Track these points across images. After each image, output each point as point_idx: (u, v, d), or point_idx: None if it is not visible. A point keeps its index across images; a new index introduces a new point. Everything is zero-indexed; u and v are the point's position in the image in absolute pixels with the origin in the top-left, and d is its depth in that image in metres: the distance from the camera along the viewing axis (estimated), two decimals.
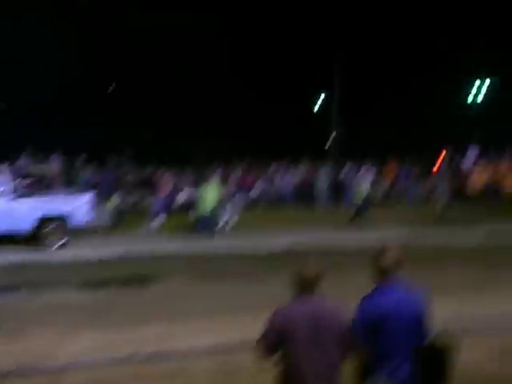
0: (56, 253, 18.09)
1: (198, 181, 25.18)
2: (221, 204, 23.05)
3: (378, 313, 4.99)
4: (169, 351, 8.83)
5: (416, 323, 5.09)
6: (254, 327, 9.08)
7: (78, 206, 19.04)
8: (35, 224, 18.35)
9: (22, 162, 25.96)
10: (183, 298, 13.12)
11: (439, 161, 31.39)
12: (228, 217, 23.14)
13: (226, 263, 16.64)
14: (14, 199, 18.40)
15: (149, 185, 25.33)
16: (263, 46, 49.76)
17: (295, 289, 4.98)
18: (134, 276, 15.24)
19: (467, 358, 8.23)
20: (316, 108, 51.21)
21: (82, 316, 11.63)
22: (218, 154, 35.74)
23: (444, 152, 31.64)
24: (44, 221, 18.48)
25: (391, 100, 51.73)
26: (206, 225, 20.86)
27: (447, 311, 8.90)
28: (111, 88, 56.15)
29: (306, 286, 4.94)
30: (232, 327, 10.19)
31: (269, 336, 4.85)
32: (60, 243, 18.64)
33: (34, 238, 18.47)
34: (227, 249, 18.66)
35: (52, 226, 18.56)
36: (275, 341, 4.83)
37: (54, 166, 25.70)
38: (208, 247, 19.00)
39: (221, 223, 22.82)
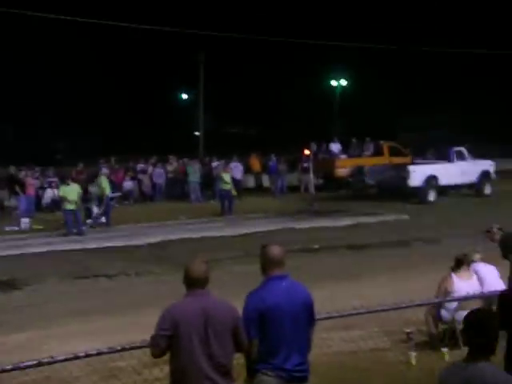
0: None
1: (63, 179, 24.48)
2: (88, 201, 22.73)
3: (264, 305, 5.02)
4: (41, 358, 8.45)
5: (302, 313, 5.15)
6: (134, 328, 9.08)
7: None
8: None
9: None
10: (56, 299, 12.71)
11: (304, 155, 32.18)
12: (99, 214, 22.77)
13: (99, 260, 16.25)
14: None
15: (12, 184, 24.30)
16: (129, 49, 49.13)
17: (185, 285, 4.93)
18: (3, 278, 14.56)
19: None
20: (181, 107, 51.22)
21: None
22: (84, 153, 34.97)
23: (308, 147, 32.49)
24: None
25: (254, 97, 52.53)
26: (72, 223, 20.30)
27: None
28: None
29: (194, 283, 4.89)
30: (111, 329, 9.94)
31: (160, 334, 4.79)
32: None
33: None
34: (99, 246, 18.24)
35: None
36: (166, 339, 4.77)
37: None
38: (78, 245, 18.45)
39: (91, 220, 22.40)
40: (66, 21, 31.49)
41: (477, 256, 9.63)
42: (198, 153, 37.56)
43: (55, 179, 26.42)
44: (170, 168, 29.95)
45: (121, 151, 33.91)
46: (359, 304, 7.18)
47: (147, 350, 5.13)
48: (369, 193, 28.47)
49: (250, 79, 52.43)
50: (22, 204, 23.09)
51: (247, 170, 31.77)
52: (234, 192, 24.92)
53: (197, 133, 41.08)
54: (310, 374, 5.23)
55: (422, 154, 28.92)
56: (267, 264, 5.22)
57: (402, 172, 26.01)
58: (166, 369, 5.15)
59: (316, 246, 17.81)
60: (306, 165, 30.56)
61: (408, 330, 8.76)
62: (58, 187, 25.02)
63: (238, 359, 5.22)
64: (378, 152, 31.37)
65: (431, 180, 26.13)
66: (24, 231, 21.23)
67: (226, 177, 24.91)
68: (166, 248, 17.73)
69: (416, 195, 25.85)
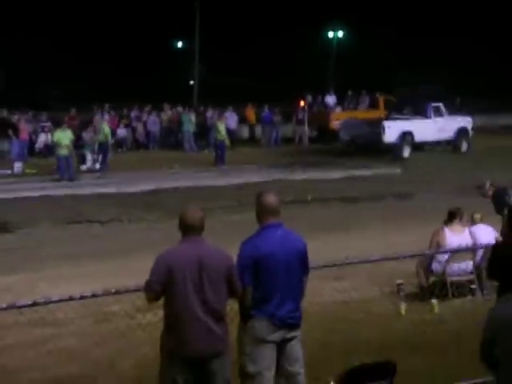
0: None
1: (57, 124, 24.38)
2: (82, 148, 22.73)
3: (258, 253, 5.05)
4: (37, 299, 8.52)
5: (296, 262, 5.19)
6: (126, 273, 9.15)
7: None
8: None
9: None
10: (48, 243, 12.77)
11: (299, 107, 32.07)
12: (93, 159, 22.84)
13: (92, 206, 16.27)
14: None
15: (5, 128, 24.16)
16: None
17: (180, 232, 4.94)
18: None
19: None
20: (177, 53, 50.62)
21: None
22: (77, 99, 34.66)
23: (303, 99, 32.36)
24: None
25: (250, 48, 52.01)
26: (66, 168, 20.27)
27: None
28: None
29: (189, 229, 4.90)
30: (102, 273, 10.01)
31: (155, 279, 4.81)
32: None
33: None
34: (92, 192, 18.25)
35: None
36: (161, 284, 4.79)
37: None
38: (71, 190, 18.45)
39: (85, 166, 22.46)
40: None
41: (477, 216, 9.63)
42: (193, 102, 37.30)
43: (48, 124, 26.26)
44: (164, 116, 29.75)
45: (115, 98, 33.61)
46: (349, 255, 7.23)
47: (141, 295, 5.16)
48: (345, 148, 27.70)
49: (246, 29, 51.84)
50: (15, 148, 23.00)
51: (242, 120, 31.61)
52: (228, 142, 24.85)
53: (192, 82, 40.75)
54: (302, 321, 5.29)
55: (399, 109, 28.35)
56: (262, 212, 5.22)
57: (376, 127, 25.34)
58: (160, 313, 5.19)
59: (308, 198, 17.87)
60: (300, 116, 30.47)
61: (398, 282, 8.86)
62: (51, 132, 24.93)
63: (232, 305, 5.27)
64: (373, 105, 31.19)
65: (406, 136, 25.51)
66: (17, 175, 21.20)
67: (221, 126, 24.79)
68: (158, 196, 17.76)
69: (390, 151, 25.29)
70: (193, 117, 29.48)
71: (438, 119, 26.52)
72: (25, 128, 24.20)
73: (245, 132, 32.25)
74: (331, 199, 17.82)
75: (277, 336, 5.13)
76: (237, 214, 14.75)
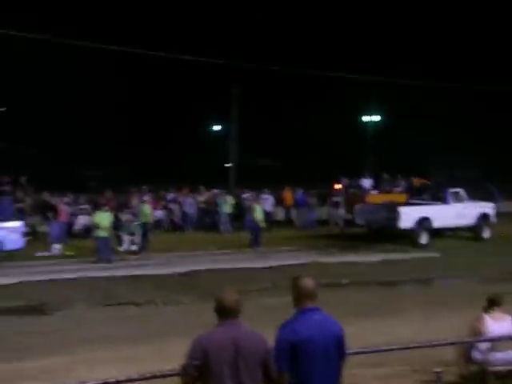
0: None
1: (94, 207, 24.83)
2: (119, 229, 23.02)
3: (297, 337, 5.01)
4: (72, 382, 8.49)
5: (334, 347, 5.13)
6: (161, 356, 9.09)
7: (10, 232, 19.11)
8: None
9: None
10: (84, 325, 12.78)
11: (334, 189, 32.26)
12: (130, 241, 23.09)
13: (127, 288, 16.31)
14: None
15: (45, 210, 24.62)
16: (163, 79, 49.73)
17: (216, 315, 4.93)
18: (33, 303, 14.70)
19: None
20: (214, 137, 51.57)
21: None
22: (118, 181, 35.32)
23: (338, 181, 32.60)
24: None
25: (287, 130, 52.82)
26: (105, 250, 20.47)
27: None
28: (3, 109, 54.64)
29: (226, 313, 4.90)
30: (138, 357, 9.95)
31: (190, 364, 4.78)
32: None
33: None
34: (128, 273, 18.32)
35: None
36: (197, 367, 4.76)
37: None
38: (108, 272, 18.56)
39: (122, 247, 22.67)
40: (102, 50, 31.94)
41: None
42: (229, 184, 37.68)
43: (87, 206, 26.70)
44: (200, 198, 30.07)
45: (152, 181, 34.17)
46: (387, 340, 7.10)
47: (176, 379, 5.11)
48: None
49: (283, 112, 52.79)
50: (54, 230, 23.30)
51: (278, 202, 31.76)
52: (263, 224, 24.91)
53: (228, 164, 41.27)
54: None
55: (419, 194, 27.96)
56: (300, 296, 5.21)
57: (392, 213, 24.85)
58: None
59: (344, 281, 17.72)
60: (336, 199, 30.51)
61: (438, 370, 8.61)
62: (89, 214, 25.33)
63: None
64: (408, 189, 31.18)
65: (423, 222, 24.84)
66: (55, 257, 21.42)
67: (258, 208, 24.90)
68: (194, 278, 17.75)
69: (407, 236, 24.85)
70: (229, 199, 29.73)
71: (457, 205, 25.97)
72: (64, 210, 24.59)
73: (280, 214, 32.34)
74: (368, 283, 17.65)
75: None
76: (272, 297, 14.65)
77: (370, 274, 18.87)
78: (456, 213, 25.63)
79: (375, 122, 45.89)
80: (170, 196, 29.96)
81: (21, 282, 16.75)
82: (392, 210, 25.02)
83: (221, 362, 4.75)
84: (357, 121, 47.20)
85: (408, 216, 24.66)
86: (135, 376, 5.44)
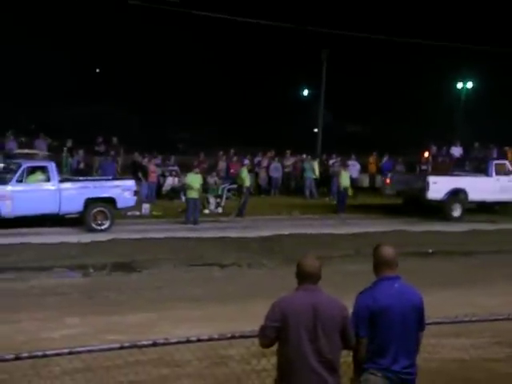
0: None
1: (185, 168, 25.29)
2: (208, 191, 23.36)
3: (375, 305, 5.03)
4: (156, 339, 8.78)
5: (412, 316, 5.13)
6: (243, 317, 9.27)
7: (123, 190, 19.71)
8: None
9: (9, 144, 25.88)
10: (170, 284, 13.14)
11: (423, 157, 31.68)
12: (215, 204, 23.44)
13: (213, 250, 16.63)
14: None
15: (135, 170, 25.27)
16: (254, 45, 49.74)
17: (297, 279, 5.00)
18: (123, 260, 15.26)
19: None
20: (303, 101, 51.29)
21: (68, 301, 11.61)
22: (203, 143, 35.77)
23: (428, 149, 31.94)
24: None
25: (377, 96, 51.99)
26: (193, 211, 20.87)
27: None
28: (97, 70, 55.98)
29: (306, 278, 4.95)
30: (220, 316, 10.19)
31: (269, 326, 4.87)
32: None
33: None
34: (214, 235, 18.64)
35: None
36: (275, 331, 4.85)
37: (40, 149, 25.53)
38: (195, 233, 18.95)
39: (208, 210, 23.05)
40: (192, 16, 32.24)
41: None
42: (316, 149, 37.55)
43: (176, 168, 27.21)
44: (286, 163, 30.14)
45: (239, 144, 34.46)
46: (471, 312, 7.01)
47: (255, 340, 5.23)
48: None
49: (373, 78, 51.97)
50: (144, 190, 23.93)
51: (364, 169, 31.52)
52: (350, 191, 24.79)
53: (316, 129, 41.09)
54: (417, 377, 5.19)
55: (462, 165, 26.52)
56: (379, 264, 5.23)
57: (420, 182, 23.53)
58: (274, 360, 5.23)
59: (430, 251, 17.51)
60: (424, 167, 29.98)
61: None
62: (178, 176, 25.84)
63: (344, 357, 5.25)
64: (501, 158, 30.21)
65: (457, 194, 23.49)
66: (144, 216, 21.98)
67: (344, 174, 24.80)
68: (278, 242, 17.89)
69: (439, 209, 23.39)
70: (315, 164, 29.67)
71: (502, 178, 24.35)
72: (154, 171, 25.18)
73: (365, 181, 32.07)
74: (454, 252, 17.38)
75: None
76: (354, 263, 14.65)
77: (456, 243, 18.54)
78: (500, 186, 24.17)
79: (468, 89, 44.58)
80: (257, 160, 30.14)
81: (113, 240, 17.36)
82: (422, 179, 23.83)
83: (299, 326, 4.81)
84: (450, 87, 46.01)
85: (438, 186, 23.25)
86: (216, 336, 5.59)
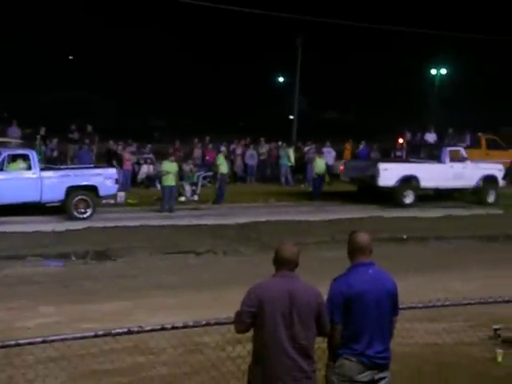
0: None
1: (160, 156, 25.20)
2: (183, 179, 23.31)
3: (350, 291, 5.05)
4: (131, 327, 8.75)
5: (386, 301, 5.16)
6: (218, 304, 9.28)
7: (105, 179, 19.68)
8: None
9: None
10: (145, 272, 13.11)
11: (398, 144, 31.87)
12: (191, 191, 23.41)
13: (188, 237, 16.59)
14: None
15: (110, 158, 25.11)
16: (228, 31, 49.52)
17: (274, 266, 5.00)
18: (98, 249, 15.19)
19: None
20: (278, 88, 51.28)
21: (43, 290, 11.53)
22: (181, 131, 35.64)
23: (402, 136, 32.12)
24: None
25: (350, 83, 52.09)
26: (168, 199, 20.79)
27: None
28: (70, 57, 55.46)
29: (284, 264, 4.95)
30: (195, 304, 10.19)
31: (245, 311, 4.87)
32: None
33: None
34: (189, 223, 18.61)
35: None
36: (251, 316, 4.86)
37: (13, 137, 25.26)
38: (170, 221, 18.90)
39: (184, 197, 23.00)
40: (171, 2, 32.03)
41: None
42: (292, 136, 37.60)
43: (151, 155, 27.07)
44: (262, 150, 30.12)
45: (214, 132, 34.35)
46: (445, 296, 7.08)
47: (231, 327, 5.23)
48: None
49: (346, 65, 52.08)
50: (120, 178, 23.76)
51: (340, 156, 31.59)
52: (327, 178, 24.84)
53: (291, 116, 41.13)
54: (391, 362, 5.23)
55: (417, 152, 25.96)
56: (354, 251, 5.24)
57: (372, 169, 23.02)
58: (249, 347, 5.24)
59: (404, 236, 17.63)
60: (398, 153, 30.15)
61: (496, 327, 8.58)
62: (153, 163, 25.73)
63: (319, 343, 5.27)
64: (474, 144, 30.45)
65: (409, 180, 23.08)
66: (119, 204, 21.87)
67: (320, 162, 24.85)
68: (254, 229, 17.90)
69: (392, 195, 22.86)
70: (291, 151, 29.68)
71: (456, 165, 23.92)
72: (128, 158, 25.02)
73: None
74: (428, 238, 17.53)
75: (365, 376, 5.09)
76: (330, 250, 14.72)
77: (430, 229, 18.70)
78: (453, 173, 23.71)
79: (442, 75, 44.84)
80: (232, 147, 30.07)
81: (88, 228, 17.27)
82: (374, 166, 23.22)
83: (275, 312, 4.82)
84: (424, 74, 46.25)
85: (389, 173, 22.85)
86: (191, 323, 5.58)
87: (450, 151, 24.45)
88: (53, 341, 5.23)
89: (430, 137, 32.18)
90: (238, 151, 29.41)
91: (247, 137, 30.98)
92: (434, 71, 44.87)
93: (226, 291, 10.37)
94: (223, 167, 23.33)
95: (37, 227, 17.00)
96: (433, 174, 23.57)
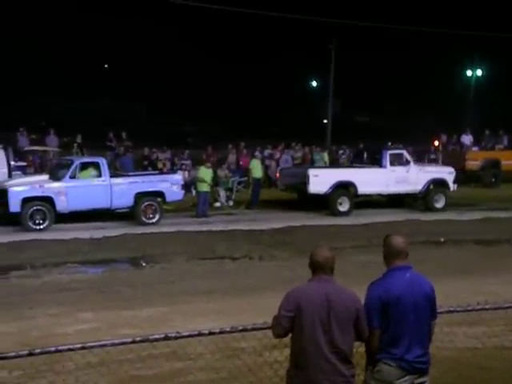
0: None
1: (194, 162, 25.32)
2: (218, 184, 23.37)
3: (388, 296, 5.01)
4: (168, 333, 8.80)
5: (424, 306, 5.11)
6: (255, 309, 9.28)
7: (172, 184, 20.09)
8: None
9: (21, 141, 26.01)
10: (182, 278, 13.16)
11: (433, 146, 31.62)
12: (226, 197, 23.47)
13: (224, 243, 16.64)
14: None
15: (145, 165, 25.31)
16: (261, 37, 49.62)
17: (310, 270, 4.99)
18: (134, 255, 15.35)
19: None
20: (312, 93, 51.18)
21: (81, 296, 11.65)
22: (214, 136, 35.78)
23: (437, 138, 31.86)
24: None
25: (385, 86, 51.78)
26: (203, 205, 20.89)
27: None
28: (105, 66, 56.11)
29: (320, 268, 4.94)
30: (232, 309, 10.20)
31: (283, 316, 4.87)
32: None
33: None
34: (225, 228, 18.67)
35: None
36: (289, 320, 4.85)
37: (51, 145, 25.64)
38: (206, 227, 19.00)
39: (219, 203, 23.06)
40: (203, 9, 32.22)
41: None
42: (326, 140, 37.51)
43: (188, 162, 27.19)
44: (296, 154, 30.08)
45: (249, 137, 34.43)
46: (485, 299, 6.98)
47: (268, 332, 5.23)
48: None
49: (381, 67, 51.78)
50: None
51: None
52: None
53: (325, 120, 41.01)
54: (430, 366, 5.17)
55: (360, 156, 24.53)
56: (390, 254, 5.20)
57: (302, 176, 21.92)
58: (286, 352, 5.23)
59: (442, 239, 17.45)
60: (433, 156, 29.84)
61: None
62: (189, 170, 25.87)
63: (357, 347, 5.24)
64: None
65: (344, 187, 22.02)
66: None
67: None
68: (289, 234, 17.89)
69: (324, 203, 21.81)
70: (325, 155, 29.61)
71: (398, 168, 22.64)
72: (165, 165, 25.20)
73: None
74: (466, 241, 17.31)
75: (405, 381, 5.05)
76: (367, 254, 14.62)
77: (469, 232, 18.46)
78: (395, 177, 22.51)
79: (478, 77, 44.34)
80: (267, 152, 30.10)
81: (124, 234, 17.45)
82: (304, 173, 22.11)
83: (313, 316, 4.80)
84: (460, 75, 45.79)
85: (320, 179, 21.76)
86: (228, 328, 5.59)
87: (391, 155, 22.97)
88: (92, 347, 5.29)
89: (467, 139, 31.84)
90: (276, 155, 29.42)
91: (281, 142, 30.96)
92: (469, 73, 44.41)
93: (262, 296, 10.37)
94: (257, 172, 23.35)
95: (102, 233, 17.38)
96: (372, 180, 22.32)
